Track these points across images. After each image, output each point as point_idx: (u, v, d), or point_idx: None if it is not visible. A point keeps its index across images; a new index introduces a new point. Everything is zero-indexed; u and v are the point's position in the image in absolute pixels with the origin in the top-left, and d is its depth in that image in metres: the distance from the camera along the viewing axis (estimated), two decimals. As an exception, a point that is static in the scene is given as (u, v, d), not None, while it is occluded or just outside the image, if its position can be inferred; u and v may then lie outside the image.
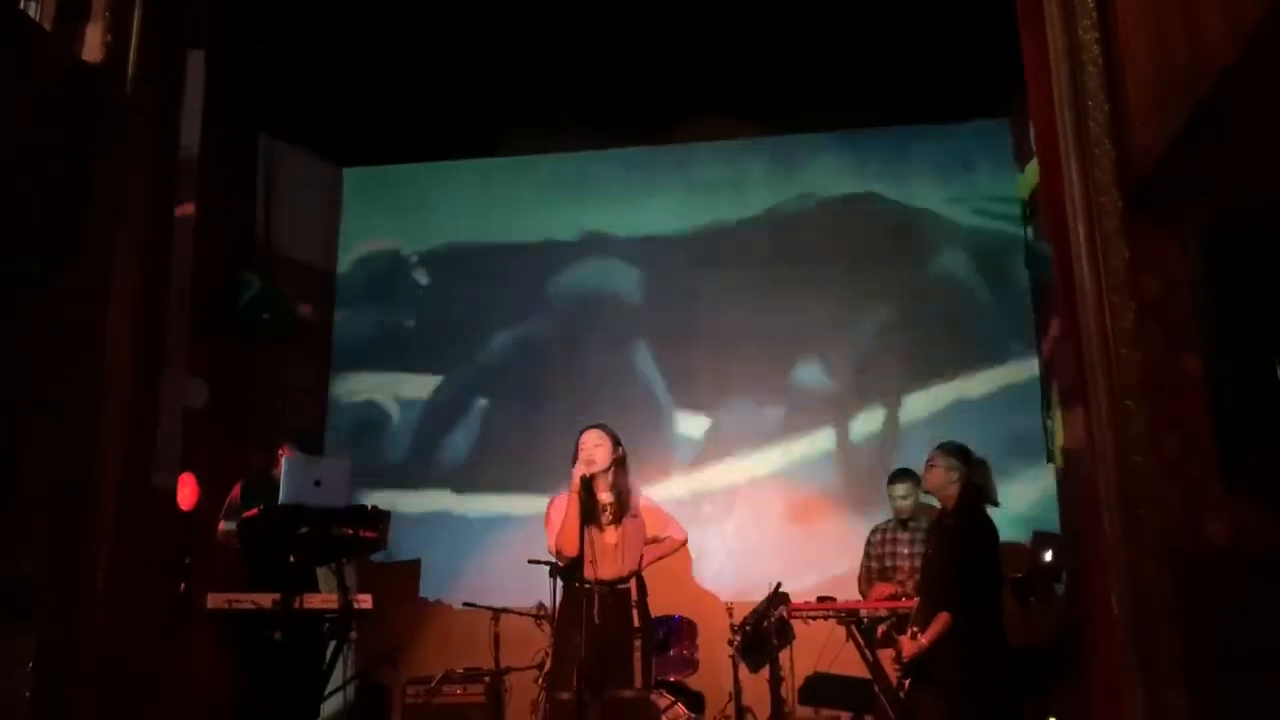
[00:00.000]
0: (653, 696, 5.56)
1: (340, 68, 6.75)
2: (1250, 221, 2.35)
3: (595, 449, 4.82)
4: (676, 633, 5.97)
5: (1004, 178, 7.05)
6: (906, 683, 4.99)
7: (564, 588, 4.86)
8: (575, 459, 4.84)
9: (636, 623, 4.76)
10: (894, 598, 5.69)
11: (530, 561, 5.37)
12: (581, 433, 4.91)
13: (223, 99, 4.00)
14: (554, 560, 4.88)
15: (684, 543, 5.17)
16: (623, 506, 4.84)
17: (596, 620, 4.59)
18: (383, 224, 7.90)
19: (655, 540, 5.01)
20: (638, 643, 4.73)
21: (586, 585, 4.66)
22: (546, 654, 5.54)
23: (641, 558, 4.89)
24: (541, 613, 5.88)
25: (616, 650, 4.69)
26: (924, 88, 6.79)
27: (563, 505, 4.83)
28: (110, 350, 3.25)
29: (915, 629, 4.76)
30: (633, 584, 4.81)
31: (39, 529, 3.10)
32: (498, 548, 7.06)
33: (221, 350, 5.82)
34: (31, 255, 3.21)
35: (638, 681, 4.70)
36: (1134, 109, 2.77)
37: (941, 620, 4.63)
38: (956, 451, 4.93)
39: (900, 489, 5.97)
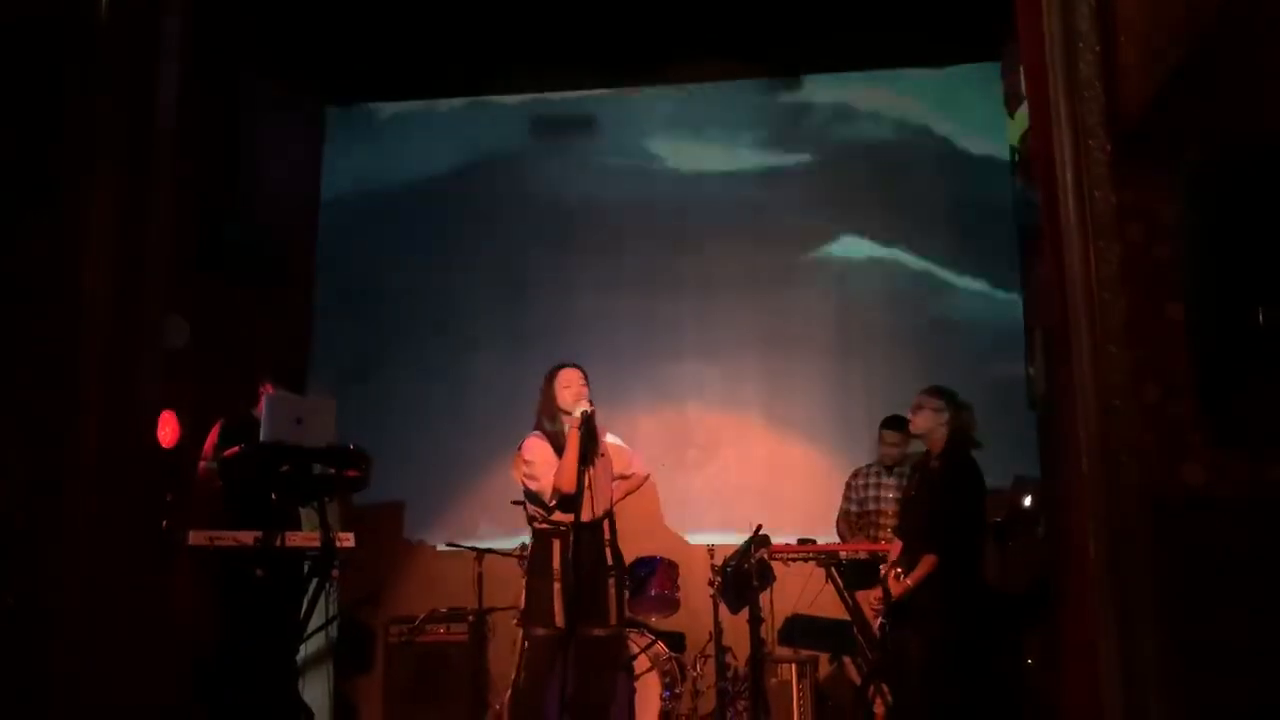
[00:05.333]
0: (629, 634, 5.63)
1: (323, 2, 6.63)
2: (1235, 168, 2.33)
3: (584, 387, 4.79)
4: (658, 574, 6.01)
5: (995, 122, 7.00)
6: (885, 623, 5.04)
7: (534, 530, 4.88)
8: (553, 396, 4.80)
9: (610, 561, 4.78)
10: (873, 540, 5.75)
11: (514, 502, 5.25)
12: (560, 370, 4.86)
13: (202, 34, 3.93)
14: (538, 501, 4.84)
15: (646, 478, 5.21)
16: (595, 448, 4.79)
17: (572, 561, 4.63)
18: (366, 162, 7.80)
19: (621, 478, 5.02)
20: (612, 580, 4.74)
21: (562, 528, 4.71)
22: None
23: (611, 496, 4.90)
24: (524, 554, 5.91)
25: (595, 589, 4.70)
26: (916, 30, 6.72)
27: (540, 445, 4.80)
28: (89, 288, 3.22)
29: (899, 570, 4.80)
30: (605, 523, 4.83)
31: (19, 467, 3.09)
32: (481, 489, 7.07)
33: (203, 288, 5.75)
34: (7, 192, 3.17)
35: (612, 619, 4.74)
36: (1125, 53, 2.74)
37: (928, 562, 4.68)
38: (944, 394, 4.95)
39: (893, 435, 5.99)
